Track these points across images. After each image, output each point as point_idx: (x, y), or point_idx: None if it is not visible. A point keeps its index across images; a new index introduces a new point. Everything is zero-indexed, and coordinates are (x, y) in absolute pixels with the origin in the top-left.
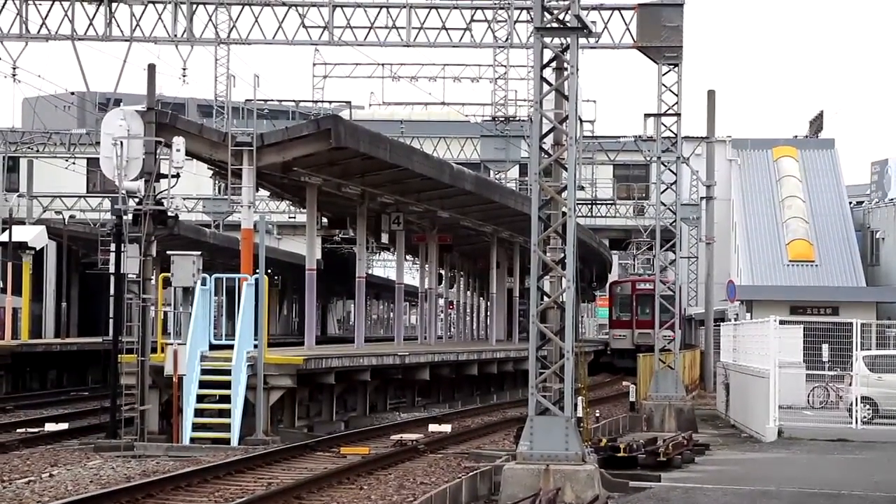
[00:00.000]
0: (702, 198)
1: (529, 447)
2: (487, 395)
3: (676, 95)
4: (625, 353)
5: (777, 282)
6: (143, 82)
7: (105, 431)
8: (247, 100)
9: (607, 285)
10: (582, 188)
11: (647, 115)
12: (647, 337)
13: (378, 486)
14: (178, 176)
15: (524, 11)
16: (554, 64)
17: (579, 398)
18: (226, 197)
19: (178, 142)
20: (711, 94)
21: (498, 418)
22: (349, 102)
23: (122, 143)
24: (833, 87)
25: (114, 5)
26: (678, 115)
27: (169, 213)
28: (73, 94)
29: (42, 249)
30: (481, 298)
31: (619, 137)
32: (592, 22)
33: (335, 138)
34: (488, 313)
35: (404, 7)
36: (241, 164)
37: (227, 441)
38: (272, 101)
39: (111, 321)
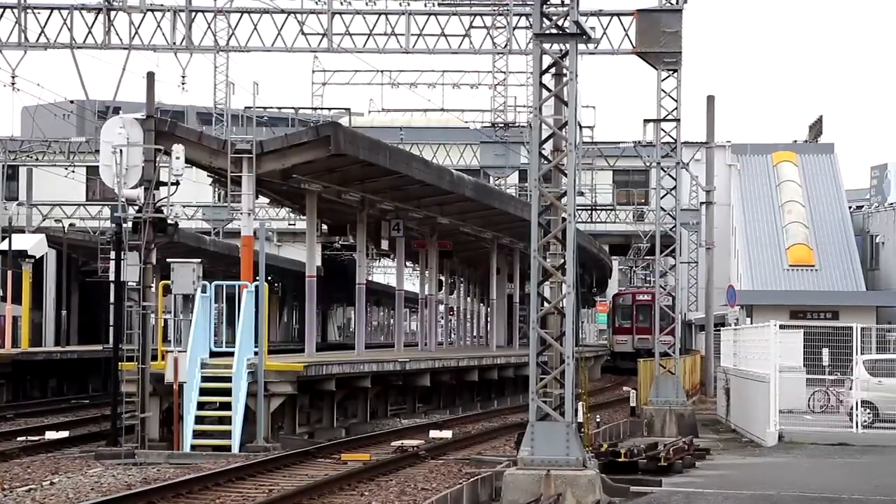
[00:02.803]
0: (701, 203)
1: (530, 453)
2: (488, 400)
3: (676, 101)
4: (626, 355)
5: (777, 286)
6: (143, 90)
7: (106, 439)
8: (246, 107)
9: (610, 297)
10: (582, 194)
11: (646, 121)
12: (646, 342)
13: (379, 493)
14: (177, 183)
15: (523, 18)
16: (553, 70)
17: (580, 403)
18: (225, 204)
19: (178, 149)
20: (711, 100)
21: (498, 424)
22: (348, 109)
23: (121, 151)
24: (832, 92)
25: (112, 13)
26: (677, 120)
27: (169, 221)
28: (72, 102)
29: (42, 258)
30: (481, 304)
31: (618, 143)
32: (591, 28)
33: (335, 145)
34: (488, 319)
35: (403, 14)
36: (240, 172)
37: (228, 448)
38: (271, 108)
39: (111, 329)
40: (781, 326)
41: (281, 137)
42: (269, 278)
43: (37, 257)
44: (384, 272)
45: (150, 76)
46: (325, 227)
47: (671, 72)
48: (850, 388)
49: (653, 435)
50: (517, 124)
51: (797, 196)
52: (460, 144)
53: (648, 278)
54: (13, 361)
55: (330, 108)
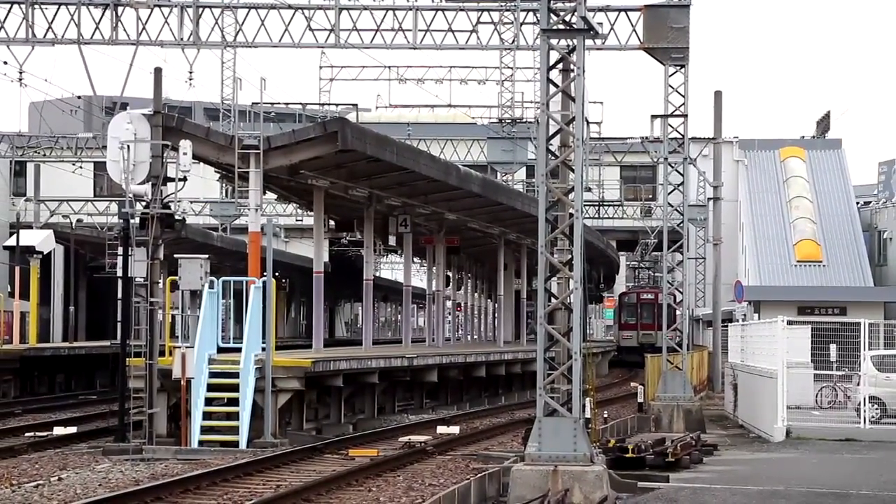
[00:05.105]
0: (709, 199)
1: (538, 448)
2: (495, 396)
3: (683, 96)
4: (631, 350)
5: (785, 282)
6: (150, 86)
7: (113, 435)
8: (253, 103)
9: (616, 295)
10: (589, 189)
11: (653, 117)
12: (649, 337)
13: (386, 488)
14: (185, 179)
15: (530, 13)
16: (560, 65)
17: (587, 399)
18: (233, 200)
19: (185, 145)
20: (718, 95)
21: (506, 420)
22: (356, 105)
23: (128, 146)
24: (840, 88)
25: (120, 9)
26: (685, 116)
27: (176, 217)
28: (79, 97)
29: (50, 253)
30: (489, 300)
31: (625, 139)
32: (599, 23)
33: (342, 141)
34: (496, 315)
35: (410, 9)
36: (248, 168)
37: (236, 444)
38: (279, 104)
39: (119, 325)
40: (789, 322)
41: (288, 133)
42: (277, 274)
43: (44, 253)
44: (392, 268)
45: (158, 72)
46: (332, 222)
47: (678, 67)
48: (858, 384)
49: (660, 430)
50: (524, 120)
51: (805, 192)
52: (467, 140)
53: (653, 276)
54: (21, 357)
55: (337, 104)
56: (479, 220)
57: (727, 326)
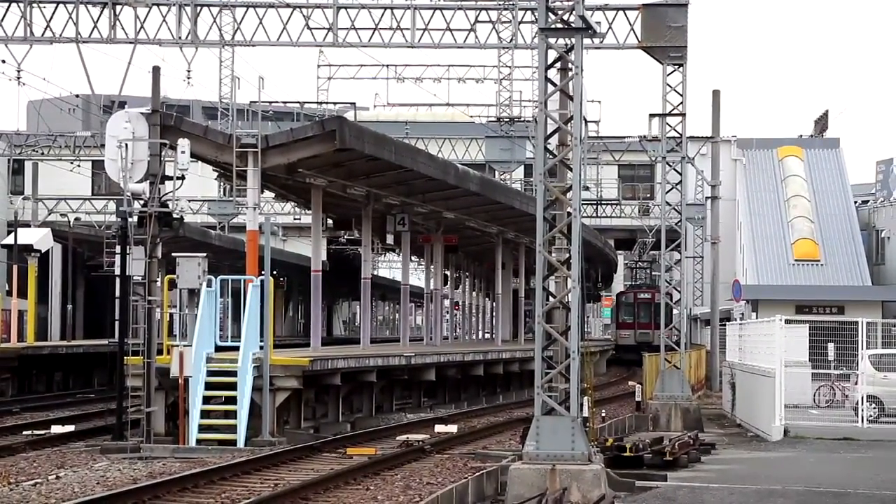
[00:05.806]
0: (707, 198)
1: (535, 447)
2: (493, 395)
3: (681, 95)
4: (629, 348)
5: (782, 281)
6: (148, 84)
7: (111, 433)
8: (251, 101)
9: (614, 295)
10: (587, 188)
11: (651, 116)
12: (646, 335)
13: (384, 487)
14: (183, 178)
15: (528, 12)
16: (558, 64)
17: (585, 398)
18: (231, 199)
19: (183, 144)
20: (716, 94)
21: (504, 418)
22: (354, 104)
23: (126, 145)
24: (838, 87)
25: (118, 7)
26: (683, 115)
27: (174, 215)
28: (77, 96)
29: (47, 252)
30: (487, 299)
31: (623, 138)
32: (597, 22)
33: (340, 140)
34: (494, 314)
35: (408, 8)
36: (246, 166)
37: (234, 442)
38: (277, 102)
39: (117, 323)
40: (787, 321)
41: (286, 132)
42: (275, 273)
43: (42, 251)
44: (389, 267)
45: (156, 70)
46: (330, 221)
47: (676, 66)
48: (856, 383)
49: (658, 429)
50: (522, 119)
51: (803, 191)
52: (465, 139)
53: (651, 274)
54: (19, 356)
55: (335, 103)
56: (478, 219)
57: (725, 325)
